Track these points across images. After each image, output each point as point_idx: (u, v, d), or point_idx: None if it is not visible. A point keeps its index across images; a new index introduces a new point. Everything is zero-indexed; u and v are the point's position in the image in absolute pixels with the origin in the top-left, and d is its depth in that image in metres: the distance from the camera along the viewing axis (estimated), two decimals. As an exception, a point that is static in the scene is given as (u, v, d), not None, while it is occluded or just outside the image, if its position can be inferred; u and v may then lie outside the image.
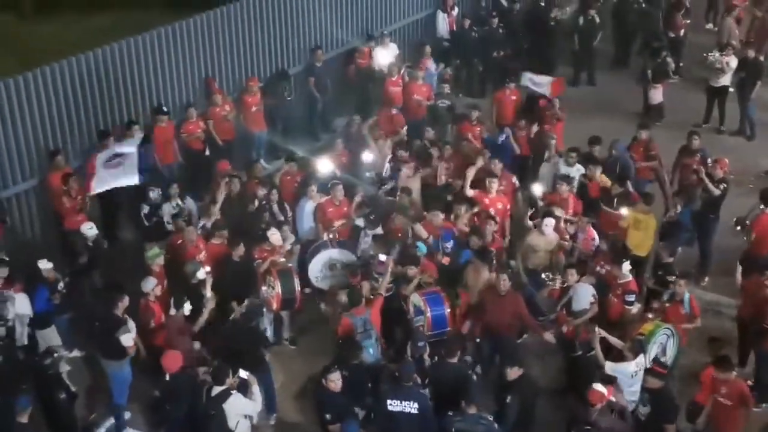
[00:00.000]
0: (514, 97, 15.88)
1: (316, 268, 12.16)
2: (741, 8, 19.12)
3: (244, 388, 9.59)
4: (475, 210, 12.58)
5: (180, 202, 12.72)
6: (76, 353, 10.35)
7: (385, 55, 16.59)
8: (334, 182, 12.82)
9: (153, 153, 13.73)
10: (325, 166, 13.36)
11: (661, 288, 11.36)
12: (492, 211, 12.55)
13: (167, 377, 9.72)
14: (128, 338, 10.17)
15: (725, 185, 12.90)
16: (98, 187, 11.91)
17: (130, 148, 12.14)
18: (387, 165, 13.62)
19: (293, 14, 16.17)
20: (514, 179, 13.59)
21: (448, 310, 10.94)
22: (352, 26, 17.37)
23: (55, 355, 10.07)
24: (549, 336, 11.00)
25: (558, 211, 12.34)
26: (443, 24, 18.54)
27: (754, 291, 11.10)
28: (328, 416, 9.55)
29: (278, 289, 11.24)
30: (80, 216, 12.33)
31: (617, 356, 10.23)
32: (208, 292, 10.73)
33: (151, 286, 10.68)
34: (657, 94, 17.11)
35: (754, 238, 12.20)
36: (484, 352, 11.07)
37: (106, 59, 13.63)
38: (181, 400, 9.74)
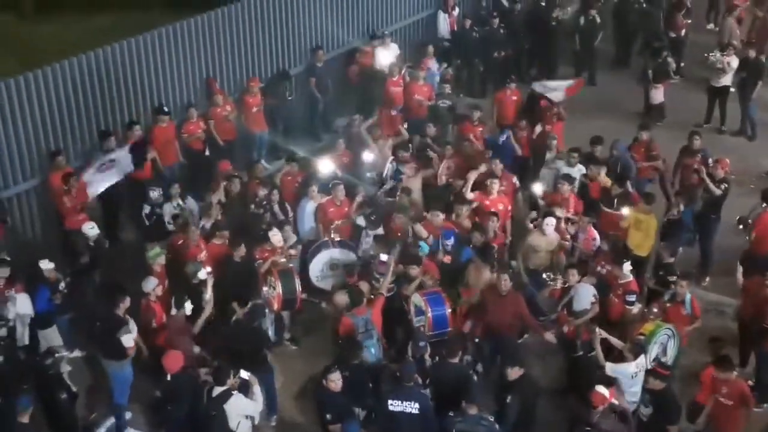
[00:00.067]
0: (515, 98, 15.87)
1: (317, 267, 12.18)
2: (742, 8, 19.14)
3: (245, 388, 9.58)
4: (475, 205, 12.58)
5: (181, 202, 12.73)
6: (77, 353, 10.33)
7: (386, 56, 16.59)
8: (335, 182, 12.82)
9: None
10: (326, 166, 13.36)
11: (662, 288, 11.36)
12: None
13: (168, 377, 9.71)
14: (129, 338, 10.17)
15: (726, 185, 12.90)
16: (94, 191, 12.62)
17: (123, 152, 12.83)
18: (389, 165, 13.62)
19: (294, 14, 16.15)
20: (515, 180, 13.58)
21: (449, 310, 10.92)
22: (352, 26, 17.35)
23: (56, 355, 10.08)
24: (550, 336, 10.99)
25: (559, 211, 12.34)
26: (444, 24, 18.51)
27: (755, 291, 11.11)
28: (328, 416, 9.53)
29: (279, 289, 11.24)
30: (81, 216, 12.34)
31: (618, 357, 10.23)
32: (209, 293, 10.74)
33: (152, 286, 10.68)
34: (658, 94, 17.10)
35: (755, 237, 12.23)
36: (485, 352, 11.07)
37: (107, 59, 13.62)
38: (182, 400, 9.73)
